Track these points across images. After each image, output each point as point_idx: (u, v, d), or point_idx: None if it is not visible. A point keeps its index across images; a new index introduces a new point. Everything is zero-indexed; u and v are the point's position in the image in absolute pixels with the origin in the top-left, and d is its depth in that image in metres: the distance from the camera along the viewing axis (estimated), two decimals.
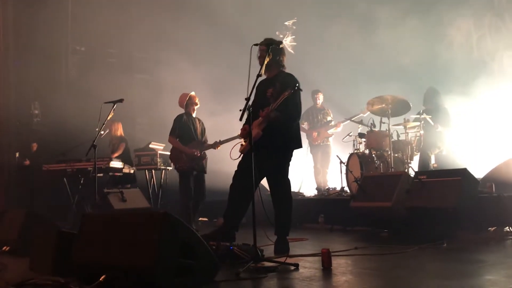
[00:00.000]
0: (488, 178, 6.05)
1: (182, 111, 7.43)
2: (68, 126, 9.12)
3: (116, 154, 8.69)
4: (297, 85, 4.63)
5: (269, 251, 4.66)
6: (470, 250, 4.63)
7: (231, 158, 5.06)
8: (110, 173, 8.31)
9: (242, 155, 4.97)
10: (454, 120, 7.73)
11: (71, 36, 10.81)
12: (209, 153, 7.53)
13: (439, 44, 10.21)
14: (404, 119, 7.71)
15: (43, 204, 8.08)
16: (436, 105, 7.70)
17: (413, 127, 7.56)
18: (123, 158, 8.66)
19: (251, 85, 4.33)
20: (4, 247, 5.26)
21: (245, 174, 4.52)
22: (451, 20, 10.07)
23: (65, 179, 8.21)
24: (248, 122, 4.56)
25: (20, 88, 9.66)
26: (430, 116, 7.36)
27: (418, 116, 7.36)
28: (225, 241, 4.45)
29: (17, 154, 9.32)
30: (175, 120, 7.32)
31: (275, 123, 4.78)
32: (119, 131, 9.11)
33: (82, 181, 8.06)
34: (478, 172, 6.71)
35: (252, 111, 4.85)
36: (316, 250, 4.70)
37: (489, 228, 5.44)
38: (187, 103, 7.38)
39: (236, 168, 5.01)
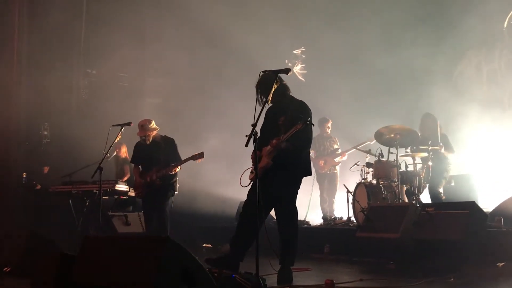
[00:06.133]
0: (497, 212, 5.95)
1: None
2: (77, 148, 9.16)
3: (124, 179, 8.68)
4: (309, 119, 4.63)
5: (272, 280, 4.59)
6: (478, 285, 4.54)
7: (241, 185, 5.02)
8: (116, 196, 8.29)
9: (252, 182, 4.94)
10: (455, 147, 7.66)
11: (83, 59, 10.94)
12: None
13: (449, 76, 10.24)
14: (412, 149, 7.66)
15: (48, 225, 8.03)
16: (434, 132, 7.63)
17: (424, 158, 7.49)
18: (129, 181, 8.65)
19: (258, 111, 4.34)
20: (6, 268, 5.23)
21: (254, 202, 4.48)
22: (461, 52, 10.11)
23: (70, 201, 8.19)
24: (255, 149, 4.54)
25: (31, 109, 9.76)
26: (440, 146, 7.30)
27: (426, 147, 7.30)
28: (228, 270, 4.38)
29: (24, 175, 9.35)
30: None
31: (285, 152, 4.77)
32: (125, 153, 9.14)
33: (87, 204, 8.04)
34: (487, 205, 6.63)
35: (261, 137, 4.86)
36: (320, 280, 4.61)
37: (498, 263, 5.32)
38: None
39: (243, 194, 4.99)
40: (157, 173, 6.90)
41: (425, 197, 7.58)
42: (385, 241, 6.03)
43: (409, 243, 5.70)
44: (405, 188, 7.57)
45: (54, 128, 10.01)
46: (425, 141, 7.37)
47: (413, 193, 7.37)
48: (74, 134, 9.64)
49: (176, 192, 8.38)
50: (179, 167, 6.95)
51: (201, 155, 6.82)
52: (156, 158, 6.97)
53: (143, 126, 7.00)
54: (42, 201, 8.73)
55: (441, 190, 7.39)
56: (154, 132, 7.07)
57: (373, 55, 10.48)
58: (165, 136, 7.19)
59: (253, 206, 4.43)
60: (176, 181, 7.12)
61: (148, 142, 7.01)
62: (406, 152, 7.70)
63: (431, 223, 5.60)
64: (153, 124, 7.07)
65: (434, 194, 7.37)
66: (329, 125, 9.63)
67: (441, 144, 7.34)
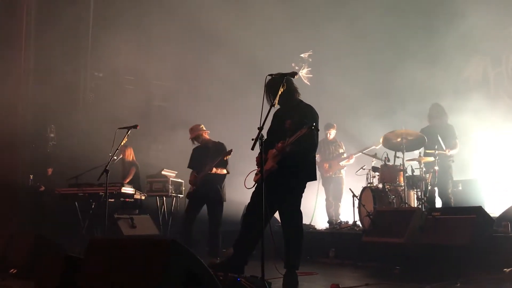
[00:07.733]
0: (504, 217, 5.90)
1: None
2: (83, 150, 9.18)
3: (127, 180, 8.71)
4: (314, 124, 4.62)
5: (277, 284, 4.58)
6: None
7: (245, 187, 5.02)
8: (122, 199, 8.30)
9: (256, 185, 4.94)
10: (459, 138, 7.70)
11: (90, 62, 10.98)
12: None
13: (456, 80, 10.20)
14: (419, 153, 7.66)
15: (54, 227, 8.06)
16: (442, 121, 7.70)
17: (428, 163, 7.47)
18: (133, 183, 8.67)
19: (264, 114, 4.34)
20: (12, 270, 5.25)
21: (258, 205, 4.48)
22: (468, 57, 10.08)
23: (76, 203, 8.20)
24: (261, 151, 4.54)
25: (38, 111, 9.80)
26: (444, 151, 7.29)
27: (432, 151, 7.28)
28: (233, 273, 4.38)
29: (31, 177, 9.38)
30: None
31: (290, 156, 4.77)
32: (131, 156, 9.16)
33: (93, 206, 8.05)
34: (494, 210, 6.58)
35: (268, 138, 4.86)
36: (325, 285, 4.60)
37: (504, 269, 5.29)
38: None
39: (248, 197, 4.99)
40: (201, 176, 7.12)
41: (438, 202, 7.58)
42: (391, 246, 6.01)
43: (415, 248, 5.67)
44: (412, 194, 7.55)
45: (61, 130, 10.04)
46: (432, 130, 7.37)
47: (420, 198, 7.35)
48: (81, 136, 9.67)
49: (181, 195, 8.41)
50: (219, 169, 7.07)
51: (229, 152, 6.99)
52: (203, 162, 7.17)
53: (193, 129, 7.36)
54: (47, 203, 8.76)
55: (449, 191, 7.39)
56: (204, 134, 7.34)
57: (380, 60, 10.47)
58: (217, 142, 7.39)
59: (257, 208, 4.43)
60: (223, 186, 7.27)
61: (200, 143, 7.33)
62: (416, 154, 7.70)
63: (437, 228, 5.57)
64: (203, 127, 7.39)
65: (443, 197, 7.38)
66: (333, 130, 9.62)
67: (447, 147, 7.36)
